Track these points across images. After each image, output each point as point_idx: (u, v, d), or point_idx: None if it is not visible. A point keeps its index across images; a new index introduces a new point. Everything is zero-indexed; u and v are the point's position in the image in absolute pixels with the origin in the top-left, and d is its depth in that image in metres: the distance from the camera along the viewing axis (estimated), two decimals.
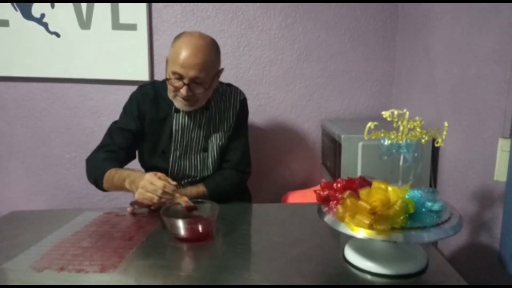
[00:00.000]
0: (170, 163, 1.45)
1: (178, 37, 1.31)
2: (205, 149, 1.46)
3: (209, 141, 1.45)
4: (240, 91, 1.52)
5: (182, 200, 1.13)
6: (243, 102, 1.51)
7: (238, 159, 1.49)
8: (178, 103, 1.34)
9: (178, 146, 1.44)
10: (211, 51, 1.30)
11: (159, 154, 1.46)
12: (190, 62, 1.25)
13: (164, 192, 1.12)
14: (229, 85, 1.53)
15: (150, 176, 1.14)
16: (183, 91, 1.28)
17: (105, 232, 1.14)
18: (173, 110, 1.41)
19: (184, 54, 1.25)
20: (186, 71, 1.25)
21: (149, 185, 1.13)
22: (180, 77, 1.27)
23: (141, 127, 1.45)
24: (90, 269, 0.93)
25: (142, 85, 1.50)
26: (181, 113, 1.42)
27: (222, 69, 1.40)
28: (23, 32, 1.89)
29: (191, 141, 1.44)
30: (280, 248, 1.04)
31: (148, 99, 1.44)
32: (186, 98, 1.30)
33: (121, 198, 2.09)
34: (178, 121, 1.42)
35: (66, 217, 1.27)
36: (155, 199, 1.13)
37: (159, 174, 1.16)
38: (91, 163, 1.39)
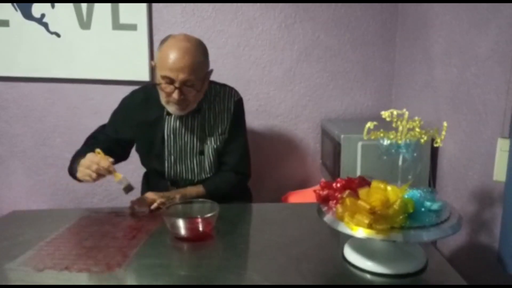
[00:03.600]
0: (166, 168, 1.45)
1: (164, 40, 1.30)
2: (201, 152, 1.44)
3: (204, 144, 1.43)
4: (235, 92, 1.47)
5: (118, 179, 1.22)
6: (238, 103, 1.46)
7: (236, 161, 1.46)
8: (171, 108, 1.32)
9: (172, 151, 1.43)
10: (198, 53, 1.27)
11: (154, 157, 1.46)
12: (179, 65, 1.23)
13: (98, 168, 1.19)
14: (223, 85, 1.48)
15: (90, 155, 1.22)
16: (175, 95, 1.26)
17: (107, 232, 1.14)
18: (164, 113, 1.40)
19: (172, 57, 1.23)
20: (176, 74, 1.24)
21: (87, 161, 1.20)
22: (171, 81, 1.25)
23: (124, 134, 1.46)
24: (95, 268, 0.94)
25: (134, 90, 1.51)
26: (172, 117, 1.40)
27: (212, 71, 1.37)
28: (23, 32, 1.89)
29: (185, 145, 1.43)
30: (280, 248, 1.05)
31: (137, 103, 1.44)
32: (178, 103, 1.29)
33: (121, 198, 2.09)
34: (170, 126, 1.41)
35: (66, 217, 1.28)
36: (93, 175, 1.20)
37: (98, 150, 1.24)
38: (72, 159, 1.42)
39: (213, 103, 1.43)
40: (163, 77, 1.26)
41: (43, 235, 1.13)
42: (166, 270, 0.95)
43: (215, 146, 1.43)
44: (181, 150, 1.43)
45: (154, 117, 1.41)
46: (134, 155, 1.55)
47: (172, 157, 1.44)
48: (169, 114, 1.40)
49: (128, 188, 1.24)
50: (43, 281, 0.90)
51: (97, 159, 1.21)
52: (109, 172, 1.21)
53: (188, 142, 1.43)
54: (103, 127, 1.53)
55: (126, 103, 1.49)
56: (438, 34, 1.55)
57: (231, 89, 1.48)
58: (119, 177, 1.23)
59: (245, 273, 0.93)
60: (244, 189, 1.62)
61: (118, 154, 1.49)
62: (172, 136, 1.42)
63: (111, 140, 1.46)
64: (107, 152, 1.43)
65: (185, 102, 1.30)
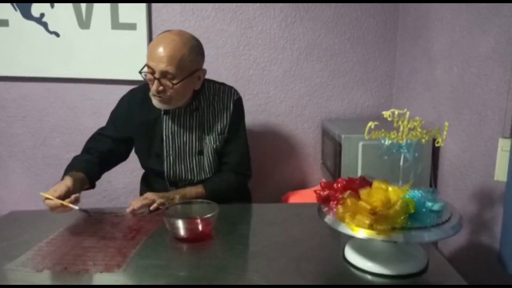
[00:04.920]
0: (165, 168, 1.44)
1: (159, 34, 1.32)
2: (200, 152, 1.43)
3: (203, 144, 1.42)
4: (234, 91, 1.46)
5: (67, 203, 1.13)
6: (237, 102, 1.44)
7: (237, 161, 1.46)
8: (154, 100, 1.31)
9: (171, 151, 1.42)
10: (184, 47, 1.25)
11: (153, 156, 1.45)
12: (160, 55, 1.23)
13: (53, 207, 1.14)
14: (222, 84, 1.47)
15: (57, 185, 1.18)
16: (154, 85, 1.26)
17: (106, 232, 1.14)
18: (162, 112, 1.39)
19: (155, 47, 1.24)
20: (156, 64, 1.24)
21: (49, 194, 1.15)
22: (152, 71, 1.25)
23: (126, 132, 1.45)
24: (94, 269, 0.93)
25: (133, 89, 1.51)
26: (170, 116, 1.39)
27: (203, 71, 1.35)
28: (22, 32, 1.89)
29: (183, 144, 1.42)
30: (280, 248, 1.04)
31: (136, 102, 1.43)
32: (158, 94, 1.27)
33: (120, 198, 2.09)
34: (168, 125, 1.40)
35: (65, 217, 1.26)
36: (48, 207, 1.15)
37: (65, 184, 1.18)
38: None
39: (212, 102, 1.42)
40: (147, 67, 1.26)
41: (42, 235, 1.12)
42: (165, 271, 0.95)
43: (214, 146, 1.42)
44: (179, 149, 1.42)
45: (153, 117, 1.41)
46: (133, 155, 1.55)
47: (171, 157, 1.43)
48: (166, 113, 1.39)
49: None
50: (42, 282, 0.90)
51: (44, 197, 1.16)
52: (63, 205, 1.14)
53: (186, 142, 1.42)
54: (101, 129, 1.50)
55: (126, 101, 1.48)
56: (438, 34, 1.55)
57: (230, 88, 1.46)
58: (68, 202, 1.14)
59: (245, 274, 0.93)
60: (243, 190, 1.61)
61: (120, 154, 1.49)
62: (170, 136, 1.41)
63: (113, 141, 1.45)
64: (109, 155, 1.44)
65: (165, 95, 1.28)
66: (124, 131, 1.45)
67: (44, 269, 0.94)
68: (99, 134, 1.49)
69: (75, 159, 1.41)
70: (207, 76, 1.42)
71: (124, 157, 1.52)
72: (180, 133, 1.41)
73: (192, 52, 1.28)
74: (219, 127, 1.42)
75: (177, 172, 1.44)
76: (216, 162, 1.45)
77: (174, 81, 1.26)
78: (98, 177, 1.42)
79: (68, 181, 1.21)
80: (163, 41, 1.24)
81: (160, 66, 1.23)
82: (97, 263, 0.96)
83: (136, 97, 1.45)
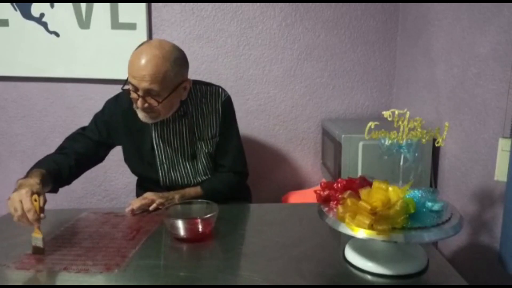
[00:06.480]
0: (160, 177, 1.41)
1: (139, 45, 1.24)
2: (194, 156, 1.40)
3: (196, 148, 1.39)
4: (222, 91, 1.40)
5: (35, 236, 1.01)
6: (225, 103, 1.39)
7: (233, 162, 1.44)
8: (140, 115, 1.26)
9: (164, 160, 1.39)
10: (165, 62, 1.18)
11: (146, 164, 1.42)
12: (141, 73, 1.16)
13: (23, 216, 1.01)
14: (209, 85, 1.42)
15: (25, 193, 1.02)
16: (139, 103, 1.20)
17: (106, 233, 1.14)
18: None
19: (135, 64, 1.17)
20: (138, 82, 1.17)
21: (17, 202, 1.01)
22: (135, 89, 1.20)
23: (109, 138, 1.41)
24: (94, 269, 0.93)
25: (119, 94, 1.43)
26: (158, 124, 1.34)
27: (189, 81, 1.30)
28: (22, 32, 1.89)
29: (175, 152, 1.39)
30: (280, 248, 1.04)
31: (120, 110, 1.38)
32: (144, 110, 1.23)
33: (120, 198, 2.09)
34: (157, 134, 1.36)
35: (66, 217, 1.27)
36: (15, 217, 1.02)
37: (35, 196, 1.03)
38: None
39: (200, 105, 1.37)
40: (130, 83, 1.21)
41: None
42: (165, 271, 0.95)
43: (206, 151, 1.40)
44: (172, 157, 1.39)
45: (140, 125, 1.34)
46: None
47: (165, 166, 1.40)
48: (154, 122, 1.33)
49: (37, 251, 1.01)
50: (42, 282, 0.90)
51: (27, 206, 1.00)
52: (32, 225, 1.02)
53: (178, 148, 1.39)
54: (83, 129, 1.45)
55: (110, 107, 1.43)
56: (438, 34, 1.55)
57: (218, 88, 1.41)
58: (38, 236, 1.01)
59: (245, 274, 0.93)
60: (243, 188, 1.61)
61: (98, 158, 1.44)
62: (161, 144, 1.38)
63: (93, 143, 1.40)
64: (86, 157, 1.37)
65: (152, 111, 1.23)
66: (108, 137, 1.41)
67: (44, 269, 0.94)
68: (80, 134, 1.42)
69: (47, 158, 1.34)
70: (197, 77, 1.39)
71: (101, 160, 1.46)
72: (171, 140, 1.37)
73: (175, 66, 1.21)
74: (209, 132, 1.39)
75: (173, 178, 1.42)
76: (211, 164, 1.43)
77: (160, 99, 1.20)
78: (67, 183, 1.34)
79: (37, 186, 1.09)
80: (143, 57, 1.16)
81: (143, 85, 1.17)
82: (97, 263, 0.96)
83: (122, 104, 1.38)
